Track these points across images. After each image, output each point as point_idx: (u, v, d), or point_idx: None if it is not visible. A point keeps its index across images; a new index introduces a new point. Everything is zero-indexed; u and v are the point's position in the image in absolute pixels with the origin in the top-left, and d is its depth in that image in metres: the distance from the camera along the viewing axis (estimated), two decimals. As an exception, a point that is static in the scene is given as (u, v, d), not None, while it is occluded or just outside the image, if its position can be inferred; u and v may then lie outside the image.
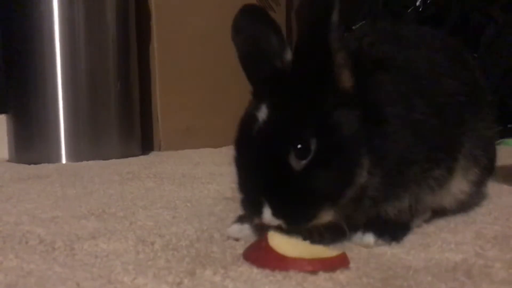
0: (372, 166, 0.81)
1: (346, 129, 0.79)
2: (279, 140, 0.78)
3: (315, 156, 0.77)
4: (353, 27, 2.53)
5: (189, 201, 1.30)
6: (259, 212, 0.78)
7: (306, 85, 0.79)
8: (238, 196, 0.83)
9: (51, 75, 2.21)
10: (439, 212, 1.05)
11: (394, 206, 0.88)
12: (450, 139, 0.94)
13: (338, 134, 0.78)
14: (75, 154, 2.23)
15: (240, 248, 0.85)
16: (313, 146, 0.77)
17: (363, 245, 0.87)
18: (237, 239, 0.90)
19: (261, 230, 0.82)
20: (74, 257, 0.84)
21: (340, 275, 0.72)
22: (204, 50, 2.67)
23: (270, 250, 0.75)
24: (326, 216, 0.79)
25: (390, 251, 0.84)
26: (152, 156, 2.42)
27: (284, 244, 0.76)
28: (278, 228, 0.78)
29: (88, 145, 2.26)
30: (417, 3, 2.82)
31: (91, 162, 2.17)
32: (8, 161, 2.35)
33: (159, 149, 2.59)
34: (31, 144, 2.26)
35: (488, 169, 1.06)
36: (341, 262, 0.74)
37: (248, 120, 0.82)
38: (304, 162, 0.77)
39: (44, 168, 2.04)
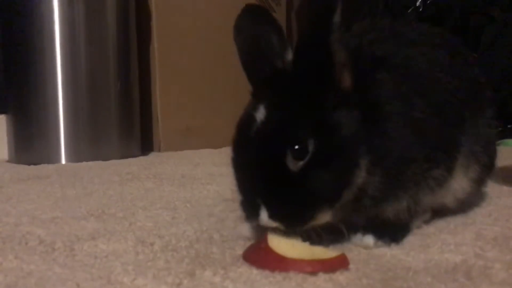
0: (372, 166, 0.80)
1: (345, 129, 0.78)
2: (277, 141, 0.78)
3: (313, 157, 0.76)
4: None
5: (189, 201, 1.30)
6: (256, 215, 0.78)
7: (305, 86, 0.79)
8: (237, 197, 0.83)
9: (51, 76, 2.21)
10: (440, 211, 1.05)
11: (393, 206, 0.88)
12: (450, 138, 0.94)
13: (337, 135, 0.78)
14: (75, 155, 2.23)
15: (239, 249, 0.85)
16: (310, 147, 0.76)
17: (363, 246, 0.87)
18: (247, 238, 0.89)
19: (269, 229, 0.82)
20: (74, 258, 0.84)
21: (340, 276, 0.72)
22: (204, 51, 2.68)
23: (269, 251, 0.75)
24: (324, 218, 0.79)
25: (389, 252, 0.84)
26: (152, 157, 2.42)
27: (283, 245, 0.76)
28: (277, 230, 0.78)
29: (88, 146, 2.26)
30: (417, 4, 2.82)
31: (90, 163, 2.17)
32: (8, 161, 2.35)
33: (159, 150, 2.59)
34: (31, 144, 2.26)
35: (488, 166, 1.06)
36: (340, 263, 0.74)
37: (246, 120, 0.82)
38: (301, 163, 0.76)
39: (44, 168, 2.04)
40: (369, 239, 0.87)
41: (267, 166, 0.78)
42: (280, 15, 2.97)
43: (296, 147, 0.76)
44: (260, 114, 0.80)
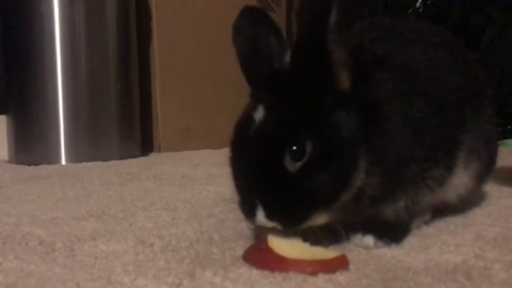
0: (371, 166, 0.80)
1: (344, 129, 0.78)
2: (275, 141, 0.78)
3: (311, 158, 0.76)
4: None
5: (189, 202, 1.30)
6: (253, 214, 0.78)
7: (303, 86, 0.79)
8: (235, 197, 0.83)
9: (51, 76, 2.21)
10: (442, 209, 1.05)
11: (391, 206, 0.88)
12: (450, 137, 0.94)
13: (335, 135, 0.78)
14: (75, 155, 2.22)
15: (239, 249, 0.85)
16: (308, 148, 0.76)
17: (363, 247, 0.87)
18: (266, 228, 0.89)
19: None
20: (74, 258, 0.84)
21: (340, 277, 0.72)
22: (205, 51, 2.68)
23: (269, 252, 0.75)
24: (321, 219, 0.79)
25: (389, 253, 0.84)
26: (152, 157, 2.42)
27: (283, 245, 0.76)
28: (275, 230, 0.78)
29: (87, 146, 2.26)
30: (417, 4, 2.82)
31: (90, 163, 2.17)
32: (8, 162, 2.34)
33: (159, 150, 2.59)
34: (31, 145, 2.26)
35: (489, 162, 1.06)
36: (340, 264, 0.74)
37: (244, 120, 0.82)
38: (299, 164, 0.76)
39: (44, 169, 2.04)
40: (369, 240, 0.87)
41: (265, 167, 0.78)
42: (280, 16, 2.97)
43: (294, 148, 0.76)
44: (259, 114, 0.80)
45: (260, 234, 0.86)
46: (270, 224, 0.77)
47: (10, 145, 2.35)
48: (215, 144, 2.47)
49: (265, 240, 0.77)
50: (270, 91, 0.82)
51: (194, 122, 2.64)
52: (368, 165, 0.80)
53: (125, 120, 2.39)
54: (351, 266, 0.75)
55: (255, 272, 0.74)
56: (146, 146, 2.55)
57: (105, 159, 2.24)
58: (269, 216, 0.77)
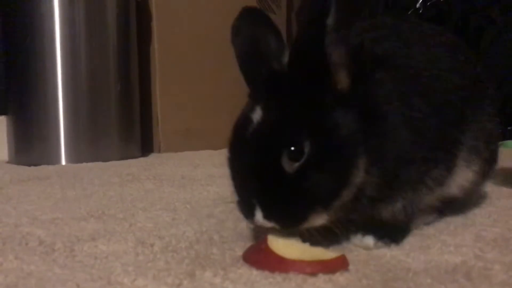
0: (370, 166, 0.80)
1: (342, 130, 0.78)
2: (272, 142, 0.78)
3: (309, 159, 0.76)
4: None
5: (189, 203, 1.30)
6: (251, 215, 0.78)
7: (301, 87, 0.79)
8: (234, 197, 0.83)
9: (51, 77, 2.21)
10: (446, 204, 1.05)
11: (389, 207, 0.88)
12: (450, 137, 0.94)
13: (333, 136, 0.78)
14: (75, 156, 2.23)
15: (239, 250, 0.85)
16: (306, 149, 0.76)
17: (363, 247, 0.87)
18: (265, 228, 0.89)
19: None
20: (74, 259, 0.84)
21: (340, 277, 0.72)
22: (205, 52, 2.68)
23: (269, 252, 0.75)
24: (319, 219, 0.79)
25: (389, 253, 0.84)
26: (152, 158, 2.42)
27: (283, 246, 0.76)
28: (274, 230, 0.78)
29: (87, 147, 2.26)
30: (418, 5, 2.82)
31: (90, 164, 2.17)
32: (8, 162, 2.35)
33: (159, 151, 2.59)
34: (31, 145, 2.26)
35: (490, 161, 1.06)
36: (340, 264, 0.74)
37: (242, 121, 0.82)
38: (297, 164, 0.76)
39: (44, 169, 2.04)
40: (369, 240, 0.87)
41: (263, 167, 0.78)
42: (280, 17, 2.98)
43: (292, 148, 0.76)
44: (257, 115, 0.80)
45: (260, 234, 0.86)
46: (269, 224, 0.77)
47: (10, 146, 2.35)
48: (215, 144, 2.47)
49: (265, 241, 0.77)
50: (269, 91, 0.82)
51: (194, 122, 2.65)
52: (366, 165, 0.80)
53: (125, 120, 2.39)
54: (351, 267, 0.75)
55: (255, 273, 0.74)
56: (146, 146, 2.55)
57: (105, 159, 2.24)
58: (267, 216, 0.77)
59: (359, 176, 0.79)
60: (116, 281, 0.72)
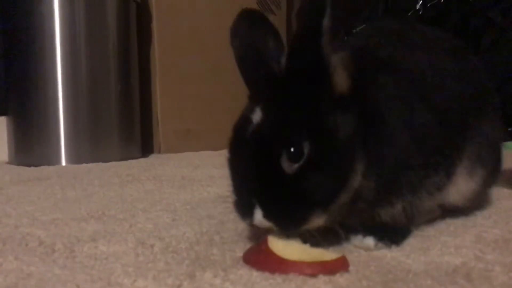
0: (368, 169, 0.80)
1: (341, 132, 0.78)
2: (272, 143, 0.78)
3: (308, 160, 0.76)
4: (354, 31, 2.53)
5: (189, 203, 1.30)
6: (250, 214, 0.78)
7: (300, 88, 0.79)
8: (232, 197, 0.83)
9: (51, 77, 2.21)
10: (448, 210, 1.05)
11: (387, 211, 0.88)
12: (451, 144, 0.94)
13: (333, 138, 0.78)
14: (75, 156, 2.23)
15: (239, 250, 0.85)
16: (306, 150, 0.76)
17: (363, 248, 0.87)
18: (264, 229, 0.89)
19: None
20: (74, 259, 0.84)
21: (340, 278, 0.72)
22: (205, 53, 2.68)
23: (269, 253, 0.75)
24: (318, 220, 0.79)
25: (390, 254, 0.84)
26: (152, 159, 2.42)
27: (283, 247, 0.76)
28: (274, 231, 0.78)
29: (88, 147, 2.26)
30: (418, 6, 2.83)
31: (91, 164, 2.17)
32: (8, 163, 2.35)
33: (159, 152, 2.59)
34: (31, 146, 2.26)
35: (494, 170, 1.06)
36: (340, 265, 0.74)
37: (242, 122, 0.82)
38: (296, 165, 0.76)
39: (44, 170, 2.04)
40: (370, 241, 0.87)
41: (263, 168, 0.78)
42: (280, 17, 2.98)
43: (292, 149, 0.76)
44: (256, 116, 0.80)
45: (260, 235, 0.86)
46: (267, 224, 0.77)
47: (10, 146, 2.35)
48: (215, 145, 2.47)
49: (265, 242, 0.77)
50: (268, 92, 0.82)
51: (194, 123, 2.65)
52: (364, 169, 0.80)
53: (125, 121, 2.40)
54: (351, 268, 0.75)
55: (255, 274, 0.74)
56: (146, 147, 2.55)
57: (105, 160, 2.24)
58: (267, 216, 0.77)
59: (356, 180, 0.79)
60: (116, 282, 0.72)
